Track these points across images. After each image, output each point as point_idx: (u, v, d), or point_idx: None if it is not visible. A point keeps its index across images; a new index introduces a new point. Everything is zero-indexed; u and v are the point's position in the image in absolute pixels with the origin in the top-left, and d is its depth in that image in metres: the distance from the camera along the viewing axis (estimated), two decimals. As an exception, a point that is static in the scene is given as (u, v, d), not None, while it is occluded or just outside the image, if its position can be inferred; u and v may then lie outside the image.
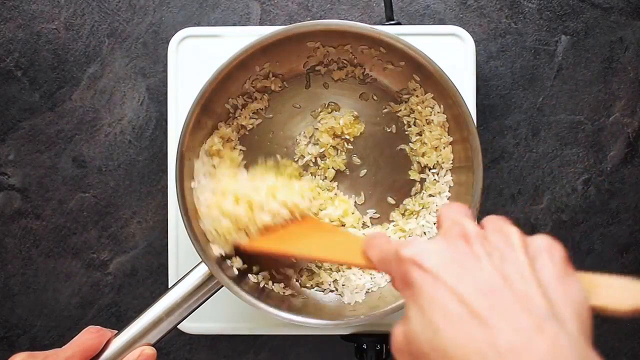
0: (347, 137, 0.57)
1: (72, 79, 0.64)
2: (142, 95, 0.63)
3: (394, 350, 0.32)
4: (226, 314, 0.58)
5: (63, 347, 0.44)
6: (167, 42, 0.58)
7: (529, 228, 0.63)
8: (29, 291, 0.64)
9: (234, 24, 0.63)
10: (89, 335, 0.45)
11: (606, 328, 0.63)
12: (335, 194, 0.57)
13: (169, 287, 0.49)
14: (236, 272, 0.52)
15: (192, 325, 0.58)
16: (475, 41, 0.57)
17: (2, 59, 0.63)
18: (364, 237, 0.41)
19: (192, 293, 0.48)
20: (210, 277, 0.49)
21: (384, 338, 0.56)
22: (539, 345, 0.26)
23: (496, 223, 0.32)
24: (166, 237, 0.58)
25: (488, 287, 0.28)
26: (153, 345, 0.47)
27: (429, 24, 0.63)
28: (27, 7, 0.64)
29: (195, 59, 0.58)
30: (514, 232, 0.31)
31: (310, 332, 0.57)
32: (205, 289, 0.49)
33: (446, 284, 0.29)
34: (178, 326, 0.58)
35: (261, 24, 0.63)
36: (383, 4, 0.59)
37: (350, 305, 0.54)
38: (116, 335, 0.46)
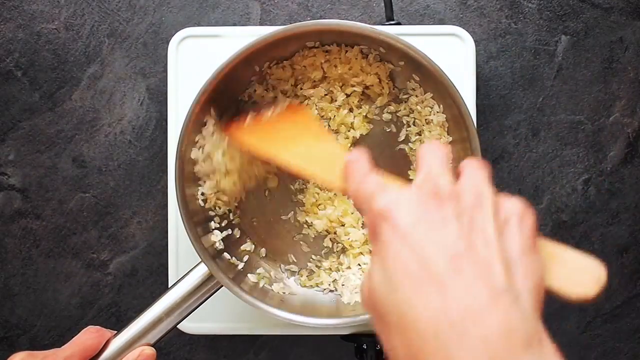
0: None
1: (72, 79, 0.64)
2: (142, 95, 0.63)
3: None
4: (226, 314, 0.58)
5: (62, 346, 0.44)
6: (167, 42, 0.58)
7: (529, 228, 0.63)
8: (29, 291, 0.64)
9: (234, 24, 0.63)
10: (89, 335, 0.45)
11: (606, 328, 0.63)
12: (335, 194, 0.57)
13: (169, 287, 0.49)
14: (219, 243, 0.53)
15: (192, 325, 0.58)
16: (475, 41, 0.57)
17: (2, 59, 0.63)
18: (345, 158, 0.37)
19: (191, 293, 0.48)
20: (210, 277, 0.49)
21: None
22: (491, 317, 0.26)
23: (474, 178, 0.31)
24: (166, 237, 0.58)
25: (452, 251, 0.28)
26: (152, 345, 0.47)
27: (429, 24, 0.63)
28: (27, 7, 0.64)
29: (195, 59, 0.58)
30: (487, 194, 0.31)
31: (310, 332, 0.57)
32: (205, 289, 0.49)
33: (412, 244, 0.29)
34: (178, 326, 0.58)
35: (261, 24, 0.63)
36: (383, 4, 0.59)
37: (350, 305, 0.54)
38: (116, 335, 0.46)
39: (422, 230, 0.29)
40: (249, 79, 0.55)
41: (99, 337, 0.45)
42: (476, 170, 0.32)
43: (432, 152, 0.33)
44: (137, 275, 0.64)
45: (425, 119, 0.55)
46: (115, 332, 0.47)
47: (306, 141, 0.50)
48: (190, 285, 0.48)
